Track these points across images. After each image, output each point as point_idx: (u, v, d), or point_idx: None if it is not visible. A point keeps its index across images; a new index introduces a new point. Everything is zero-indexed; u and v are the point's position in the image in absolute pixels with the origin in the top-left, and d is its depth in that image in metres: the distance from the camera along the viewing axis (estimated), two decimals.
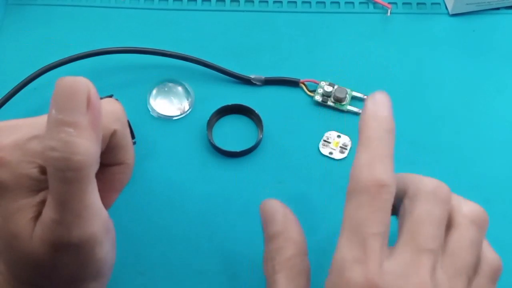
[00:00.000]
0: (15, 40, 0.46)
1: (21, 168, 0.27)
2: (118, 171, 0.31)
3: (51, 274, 0.28)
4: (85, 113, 0.26)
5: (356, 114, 0.43)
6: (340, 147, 0.41)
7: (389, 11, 0.47)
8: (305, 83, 0.44)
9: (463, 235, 0.30)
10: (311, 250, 0.35)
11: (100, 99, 0.34)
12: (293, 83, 0.44)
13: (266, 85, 0.44)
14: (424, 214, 0.30)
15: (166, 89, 0.43)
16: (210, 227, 0.39)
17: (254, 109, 0.42)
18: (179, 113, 0.43)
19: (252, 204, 0.39)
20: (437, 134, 0.42)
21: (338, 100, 0.43)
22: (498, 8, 0.48)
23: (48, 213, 0.26)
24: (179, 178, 0.40)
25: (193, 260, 0.38)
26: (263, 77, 0.44)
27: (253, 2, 0.48)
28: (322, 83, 0.44)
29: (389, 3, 0.48)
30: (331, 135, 0.42)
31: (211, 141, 0.41)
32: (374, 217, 0.29)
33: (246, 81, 0.44)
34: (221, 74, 0.44)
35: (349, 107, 0.43)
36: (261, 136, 0.41)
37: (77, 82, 0.26)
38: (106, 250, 0.29)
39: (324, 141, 0.42)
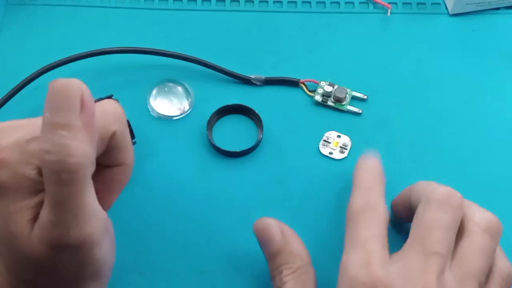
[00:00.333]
0: (15, 40, 0.46)
1: (20, 169, 0.27)
2: (118, 172, 0.31)
3: (51, 274, 0.28)
4: (78, 115, 0.26)
5: (356, 114, 0.43)
6: (340, 147, 0.41)
7: (389, 11, 0.47)
8: (305, 83, 0.44)
9: (473, 241, 0.31)
10: (312, 250, 0.35)
11: (100, 99, 0.34)
12: (293, 83, 0.44)
13: (266, 85, 0.44)
14: (433, 220, 0.31)
15: (166, 89, 0.43)
16: (210, 227, 0.39)
17: (254, 109, 0.42)
18: (179, 113, 0.43)
19: (252, 203, 0.40)
20: (437, 134, 0.42)
21: (338, 100, 0.43)
22: (498, 8, 0.48)
23: (45, 214, 0.26)
24: (179, 178, 0.40)
25: (193, 260, 0.38)
26: (263, 77, 0.44)
27: (253, 2, 0.48)
28: (322, 83, 0.44)
29: (389, 3, 0.48)
30: (331, 135, 0.42)
31: (211, 141, 0.41)
32: (371, 226, 0.32)
33: (246, 81, 0.44)
34: (221, 74, 0.44)
35: (349, 107, 0.43)
36: (261, 136, 0.41)
37: (70, 84, 0.26)
38: (105, 250, 0.29)
39: (324, 141, 0.42)
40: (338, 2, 0.48)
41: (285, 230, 0.34)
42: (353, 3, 0.48)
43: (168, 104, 0.43)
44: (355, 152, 0.41)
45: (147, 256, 0.38)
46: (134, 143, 0.36)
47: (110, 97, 0.39)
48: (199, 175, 0.40)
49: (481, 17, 0.48)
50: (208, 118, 0.42)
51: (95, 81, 0.43)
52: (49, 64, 0.42)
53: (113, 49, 0.43)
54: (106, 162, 0.31)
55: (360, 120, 0.43)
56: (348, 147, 0.41)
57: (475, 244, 0.31)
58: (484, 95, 0.44)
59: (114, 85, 0.44)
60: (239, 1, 0.48)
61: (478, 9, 0.48)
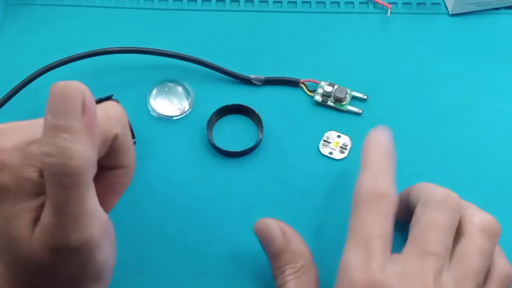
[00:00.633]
0: (15, 40, 0.46)
1: (21, 171, 0.27)
2: (120, 174, 0.31)
3: (51, 275, 0.28)
4: (80, 117, 0.26)
5: (356, 114, 0.43)
6: (340, 147, 0.41)
7: (389, 11, 0.47)
8: (305, 83, 0.44)
9: (471, 242, 0.31)
10: (312, 250, 0.35)
11: (101, 100, 0.34)
12: (293, 83, 0.44)
13: (266, 85, 0.44)
14: (431, 221, 0.31)
15: (166, 89, 0.43)
16: (210, 227, 0.39)
17: (254, 109, 0.42)
18: (179, 113, 0.43)
19: (252, 204, 0.40)
20: (437, 134, 0.42)
21: (338, 100, 0.43)
22: (498, 8, 0.48)
23: (46, 217, 0.26)
24: (179, 178, 0.40)
25: (193, 260, 0.38)
26: (263, 77, 0.44)
27: (253, 2, 0.48)
28: (322, 83, 0.44)
29: (389, 3, 0.48)
30: (331, 135, 0.42)
31: (211, 141, 0.41)
32: (376, 221, 0.31)
33: (246, 81, 0.44)
34: (221, 74, 0.44)
35: (349, 107, 0.43)
36: (261, 136, 0.41)
37: (71, 86, 0.26)
38: (106, 252, 0.29)
39: (324, 141, 0.42)
40: (338, 2, 0.48)
41: (286, 230, 0.34)
42: (353, 3, 0.48)
43: (168, 104, 0.43)
44: (355, 152, 0.41)
45: (147, 256, 0.38)
46: (134, 143, 0.36)
47: (110, 97, 0.39)
48: (199, 175, 0.40)
49: (481, 17, 0.48)
50: (208, 118, 0.42)
51: (95, 81, 0.43)
52: (49, 64, 0.42)
53: (113, 49, 0.43)
54: (108, 164, 0.31)
55: (360, 120, 0.43)
56: (348, 147, 0.42)
57: (473, 245, 0.31)
58: (484, 95, 0.44)
59: (114, 85, 0.44)
60: (239, 1, 0.48)
61: (478, 9, 0.48)
